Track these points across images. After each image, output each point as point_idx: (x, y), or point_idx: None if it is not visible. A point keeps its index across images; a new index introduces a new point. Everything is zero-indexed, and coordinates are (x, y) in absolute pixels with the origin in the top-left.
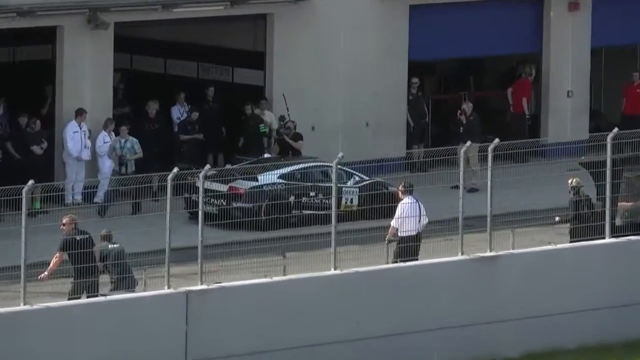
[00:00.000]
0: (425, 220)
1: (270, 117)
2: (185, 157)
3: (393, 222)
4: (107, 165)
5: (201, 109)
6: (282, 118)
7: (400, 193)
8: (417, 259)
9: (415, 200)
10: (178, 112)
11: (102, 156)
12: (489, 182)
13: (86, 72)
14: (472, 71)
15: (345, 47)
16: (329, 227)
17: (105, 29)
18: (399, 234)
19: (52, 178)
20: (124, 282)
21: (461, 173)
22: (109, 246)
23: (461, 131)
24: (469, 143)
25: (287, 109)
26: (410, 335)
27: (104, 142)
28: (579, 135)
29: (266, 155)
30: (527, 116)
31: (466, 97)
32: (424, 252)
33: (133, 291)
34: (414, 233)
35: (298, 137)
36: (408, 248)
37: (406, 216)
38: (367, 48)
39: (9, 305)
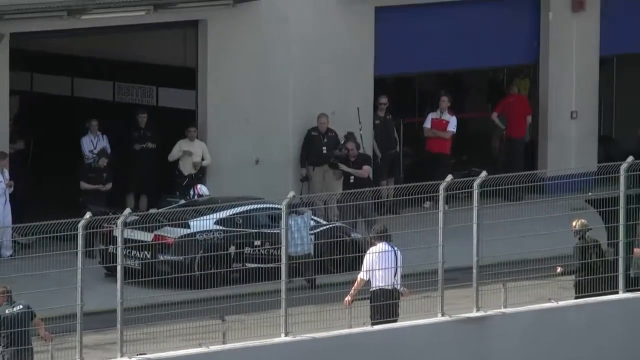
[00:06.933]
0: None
1: (201, 148)
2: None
3: (362, 274)
4: (6, 210)
5: (129, 141)
6: (350, 136)
7: (371, 239)
8: (396, 320)
9: (391, 248)
10: (90, 144)
11: None
12: (474, 226)
13: None
14: (451, 88)
15: (296, 61)
16: (278, 284)
17: None
18: (370, 288)
19: None
20: (19, 356)
21: (440, 214)
22: (6, 310)
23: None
24: (449, 177)
25: (361, 126)
26: None
27: None
28: (585, 166)
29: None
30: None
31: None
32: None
33: None
34: (389, 287)
35: (364, 159)
36: (385, 306)
37: (379, 268)
38: (323, 61)
39: None
